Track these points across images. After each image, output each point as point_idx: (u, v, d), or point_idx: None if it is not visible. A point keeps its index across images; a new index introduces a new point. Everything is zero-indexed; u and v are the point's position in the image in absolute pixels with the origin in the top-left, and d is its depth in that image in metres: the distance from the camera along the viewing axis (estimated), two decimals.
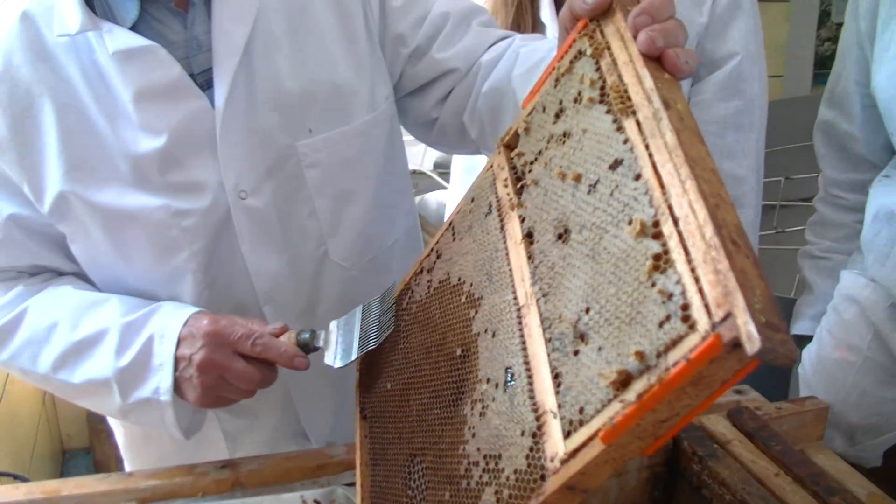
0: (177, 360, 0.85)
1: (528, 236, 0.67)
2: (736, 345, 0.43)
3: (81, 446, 2.76)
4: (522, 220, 0.68)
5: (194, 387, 0.85)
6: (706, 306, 0.46)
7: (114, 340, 0.88)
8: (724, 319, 0.44)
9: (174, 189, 0.90)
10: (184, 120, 0.88)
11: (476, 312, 0.70)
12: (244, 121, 0.91)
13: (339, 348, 0.83)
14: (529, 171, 0.70)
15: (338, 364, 0.82)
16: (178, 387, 0.86)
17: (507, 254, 0.68)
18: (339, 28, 0.97)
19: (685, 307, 0.47)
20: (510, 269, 0.67)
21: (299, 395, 1.05)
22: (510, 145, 0.75)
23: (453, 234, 0.79)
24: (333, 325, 0.87)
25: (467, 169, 1.63)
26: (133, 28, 0.87)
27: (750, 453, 0.81)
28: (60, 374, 0.90)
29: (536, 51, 0.94)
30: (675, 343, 0.47)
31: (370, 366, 0.88)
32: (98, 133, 0.88)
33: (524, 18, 1.35)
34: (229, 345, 0.84)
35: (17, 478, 1.76)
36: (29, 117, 0.88)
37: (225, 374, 0.84)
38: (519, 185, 0.71)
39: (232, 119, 0.90)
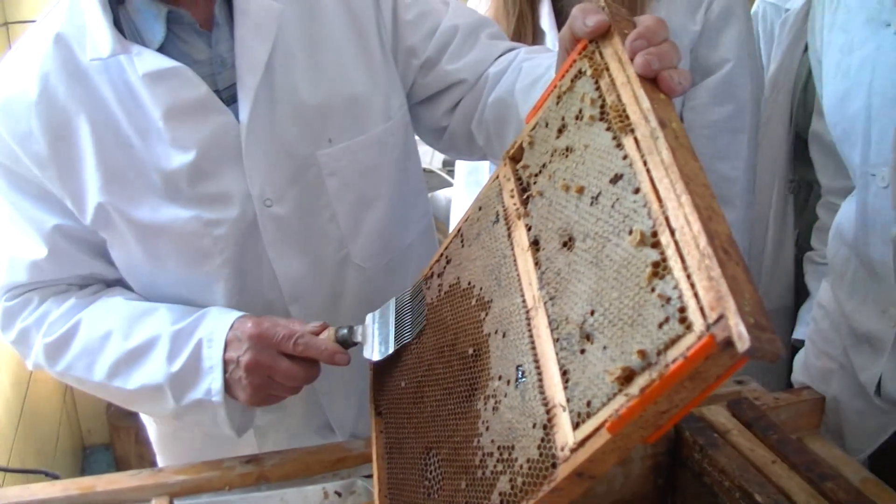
0: (225, 363, 0.91)
1: (535, 244, 0.72)
2: (728, 343, 0.49)
3: (102, 442, 2.82)
4: (529, 229, 0.73)
5: (244, 387, 0.91)
6: (701, 309, 0.51)
7: (165, 347, 0.93)
8: (717, 321, 0.50)
9: (204, 200, 0.95)
10: (211, 135, 0.93)
11: (486, 314, 0.75)
12: (267, 133, 0.96)
13: (376, 342, 0.88)
14: (535, 183, 0.75)
15: (376, 357, 0.87)
16: (228, 388, 0.91)
17: (514, 260, 0.74)
18: (354, 42, 1.02)
19: (682, 310, 0.53)
20: (518, 275, 0.72)
21: (324, 389, 1.10)
22: (515, 158, 0.80)
23: (462, 241, 0.84)
24: (369, 318, 0.92)
25: (471, 170, 1.69)
26: (160, 49, 0.91)
27: (748, 442, 0.86)
28: (116, 382, 0.95)
29: (538, 66, 0.99)
30: (673, 342, 0.52)
31: (383, 365, 0.93)
32: (131, 148, 0.93)
33: (525, 27, 1.41)
34: (273, 346, 0.89)
35: (47, 474, 1.79)
36: (67, 135, 0.92)
37: (271, 373, 0.89)
38: (525, 196, 0.76)
39: (256, 132, 0.95)
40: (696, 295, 0.52)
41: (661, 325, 0.54)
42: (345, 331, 0.90)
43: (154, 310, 0.98)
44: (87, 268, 1.01)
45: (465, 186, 1.72)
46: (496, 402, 0.69)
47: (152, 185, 0.94)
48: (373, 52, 1.03)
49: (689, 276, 0.53)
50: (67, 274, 1.01)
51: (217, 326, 0.92)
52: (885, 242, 0.91)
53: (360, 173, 1.04)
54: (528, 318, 0.69)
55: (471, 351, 0.76)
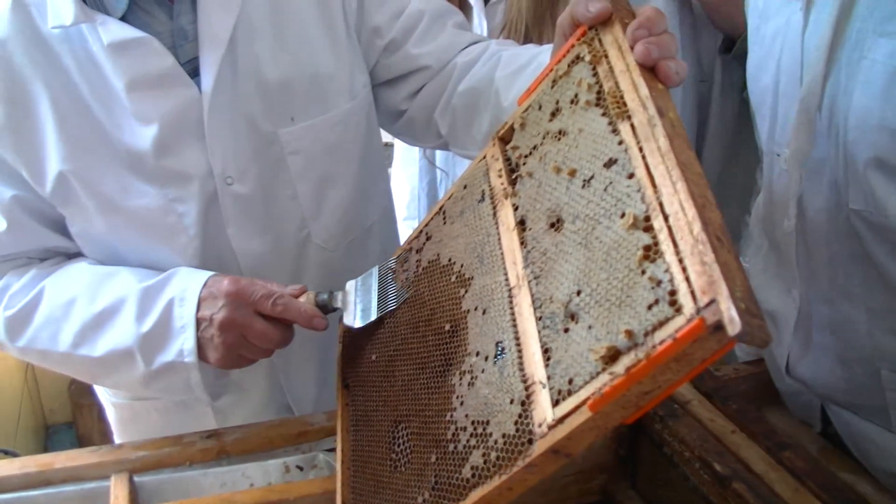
0: (198, 322, 0.88)
1: (521, 223, 0.72)
2: (717, 327, 0.50)
3: (64, 421, 2.76)
4: (516, 209, 0.73)
5: (215, 347, 0.88)
6: (692, 293, 0.52)
7: (133, 307, 0.90)
8: (708, 305, 0.51)
9: (168, 176, 0.93)
10: (175, 108, 0.91)
11: (466, 291, 0.75)
12: (229, 109, 0.94)
13: (357, 308, 0.87)
14: (524, 164, 0.75)
15: (357, 324, 0.86)
16: (199, 349, 0.89)
17: (499, 238, 0.74)
18: (319, 17, 1.00)
19: (673, 293, 0.53)
20: (502, 253, 0.73)
21: (284, 370, 1.09)
22: (505, 139, 0.80)
23: (444, 218, 0.84)
24: (350, 285, 0.90)
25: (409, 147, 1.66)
26: (122, 18, 0.89)
27: (708, 412, 0.88)
28: (82, 350, 0.92)
29: (519, 56, 1.00)
30: (662, 324, 0.53)
31: (354, 338, 0.92)
32: (94, 119, 0.90)
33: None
34: (250, 304, 0.86)
35: (6, 453, 1.75)
36: (25, 103, 0.89)
37: (245, 332, 0.87)
38: (513, 177, 0.76)
39: (218, 106, 0.93)
40: (687, 279, 0.53)
41: (650, 307, 0.54)
42: (325, 296, 0.89)
43: (119, 272, 0.95)
44: (47, 241, 0.98)
45: (402, 165, 1.70)
46: (472, 378, 0.69)
47: (116, 158, 0.92)
48: (338, 30, 1.02)
49: (681, 261, 0.54)
50: (27, 247, 0.98)
51: (189, 284, 0.90)
52: (788, 224, 0.91)
53: (323, 152, 1.03)
54: (510, 296, 0.69)
55: (447, 327, 0.75)
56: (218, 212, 0.97)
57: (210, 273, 0.91)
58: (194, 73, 0.93)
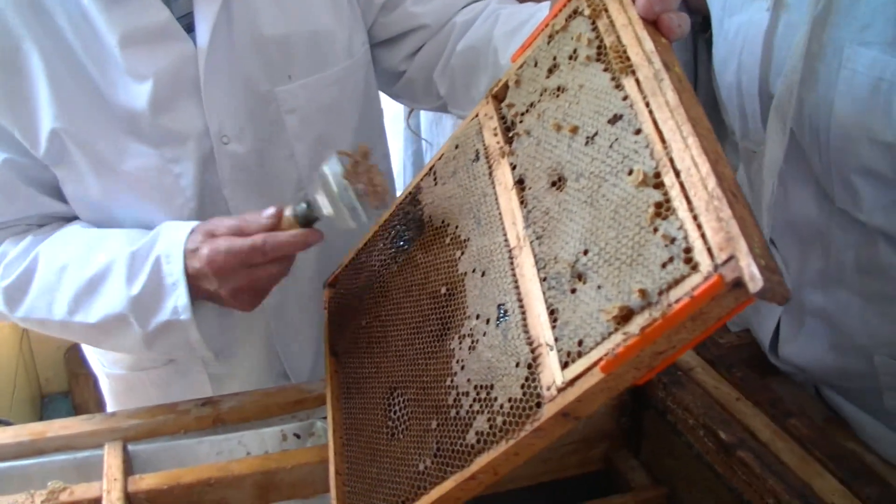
0: (206, 294, 0.84)
1: (520, 183, 0.70)
2: (736, 285, 0.48)
3: (60, 390, 2.70)
4: (513, 168, 0.71)
5: (235, 308, 0.85)
6: (709, 250, 0.51)
7: (122, 271, 0.86)
8: (726, 262, 0.49)
9: (164, 135, 0.90)
10: (170, 65, 0.88)
11: (462, 253, 0.73)
12: (226, 66, 0.91)
13: (345, 210, 0.79)
14: (521, 122, 0.73)
15: (353, 224, 0.79)
16: (195, 295, 0.85)
17: (496, 199, 0.72)
18: None
19: (688, 250, 0.52)
20: (500, 213, 0.71)
21: (281, 337, 1.06)
22: (499, 96, 0.78)
23: (435, 179, 0.82)
24: (319, 183, 0.81)
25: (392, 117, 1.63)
26: None
27: (712, 380, 0.87)
28: (77, 317, 0.88)
29: (519, 13, 0.97)
30: (677, 282, 0.52)
31: (341, 304, 0.90)
32: (88, 78, 0.87)
33: None
34: (242, 266, 0.82)
35: (0, 422, 1.70)
36: (15, 62, 0.85)
37: (254, 286, 0.83)
38: (510, 135, 0.74)
39: (214, 63, 0.90)
40: (703, 236, 0.51)
41: (664, 265, 0.53)
42: (303, 206, 0.82)
43: (109, 235, 0.91)
44: (43, 206, 0.94)
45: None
46: (473, 342, 0.67)
47: (111, 118, 0.88)
48: None
49: (695, 218, 0.53)
50: (23, 214, 0.93)
51: (173, 239, 0.85)
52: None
53: (320, 111, 1.00)
54: (510, 257, 0.67)
55: (443, 290, 0.74)
56: (214, 172, 0.94)
57: (190, 226, 0.86)
58: (189, 28, 0.89)
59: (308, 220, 0.82)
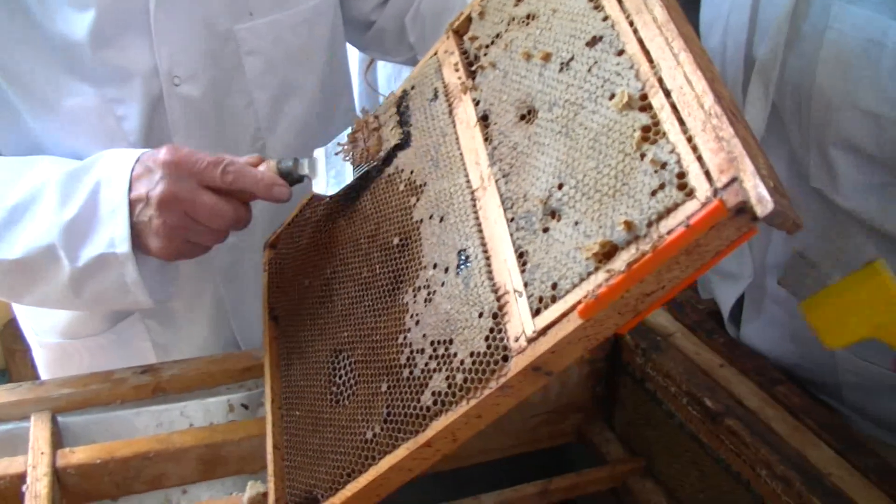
0: (132, 204, 0.72)
1: (483, 119, 0.63)
2: (741, 210, 0.42)
3: None
4: (477, 103, 0.64)
5: (155, 230, 0.72)
6: (706, 173, 0.44)
7: (54, 195, 0.74)
8: (728, 185, 0.43)
9: (106, 72, 0.80)
10: None
11: (418, 199, 0.65)
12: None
13: (329, 175, 0.74)
14: (485, 55, 0.66)
15: (331, 191, 0.73)
16: (137, 236, 0.73)
17: (457, 138, 0.64)
18: None
19: (681, 175, 0.45)
20: (461, 153, 0.63)
21: (232, 301, 0.97)
22: (460, 31, 0.71)
23: None
24: (319, 152, 0.76)
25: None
26: None
27: (694, 345, 0.80)
28: None
29: None
30: (669, 211, 0.45)
31: (282, 264, 0.82)
32: (23, 7, 0.76)
33: None
34: (194, 175, 0.70)
35: None
36: None
37: (191, 210, 0.71)
38: (473, 69, 0.67)
39: None
40: (699, 158, 0.45)
41: (653, 193, 0.46)
42: (289, 162, 0.74)
43: (40, 160, 0.80)
44: None
45: None
46: (430, 294, 0.60)
47: (48, 51, 0.78)
48: None
49: (689, 139, 0.46)
50: None
51: (119, 162, 0.74)
52: None
53: (283, 56, 0.91)
54: (473, 199, 0.60)
55: (396, 241, 0.66)
56: (163, 117, 0.84)
57: (138, 152, 0.75)
58: None
59: (289, 175, 0.73)
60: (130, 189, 0.72)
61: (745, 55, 0.79)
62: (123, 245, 0.72)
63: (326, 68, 0.97)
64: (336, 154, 0.75)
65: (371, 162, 0.72)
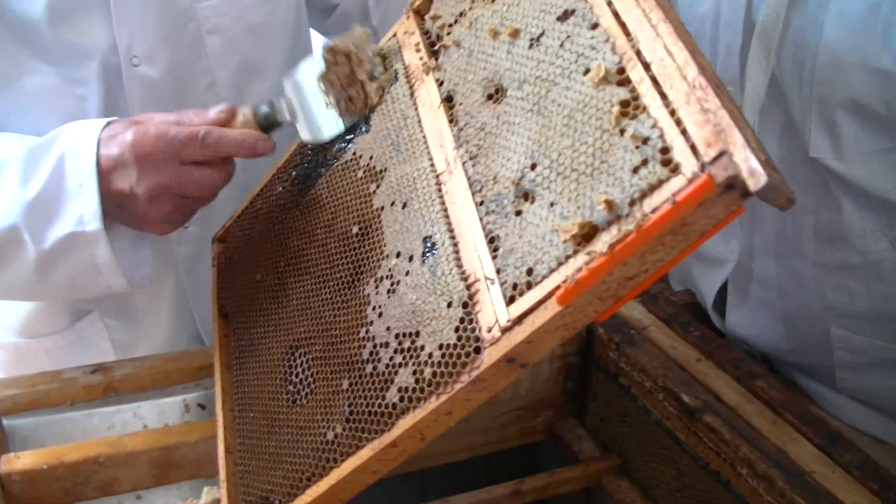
0: (115, 197, 0.67)
1: (448, 100, 0.60)
2: (730, 185, 0.39)
3: None
4: (440, 84, 0.61)
5: (151, 222, 0.69)
6: (692, 147, 0.41)
7: (16, 171, 0.69)
8: (716, 159, 0.40)
9: (65, 51, 0.76)
10: None
11: (378, 186, 0.62)
12: None
13: (315, 118, 0.68)
14: (448, 34, 0.63)
15: (326, 135, 0.68)
16: (110, 213, 0.69)
17: (419, 121, 0.61)
18: None
19: (665, 150, 0.43)
20: (424, 136, 0.60)
21: (195, 295, 0.91)
22: (421, 10, 0.67)
23: None
24: (289, 88, 0.70)
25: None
26: None
27: (669, 339, 0.78)
28: None
29: None
30: (653, 188, 0.42)
31: (232, 258, 0.77)
32: None
33: None
34: (174, 157, 0.66)
35: None
36: None
37: (180, 190, 0.67)
38: (435, 48, 0.63)
39: None
40: (683, 132, 0.42)
41: (635, 170, 0.43)
42: (265, 108, 0.69)
43: (0, 137, 0.75)
44: None
45: None
46: (393, 284, 0.56)
47: (7, 30, 0.74)
48: None
49: (672, 112, 0.43)
50: None
51: (84, 131, 0.68)
52: None
53: (246, 34, 0.87)
54: (438, 184, 0.56)
55: (355, 229, 0.62)
56: (123, 98, 0.80)
57: (105, 120, 0.70)
58: None
59: (268, 124, 0.69)
60: (99, 160, 0.67)
61: (745, 18, 0.77)
62: (94, 222, 0.68)
63: (290, 51, 0.93)
64: (314, 95, 0.69)
65: (364, 111, 0.67)
